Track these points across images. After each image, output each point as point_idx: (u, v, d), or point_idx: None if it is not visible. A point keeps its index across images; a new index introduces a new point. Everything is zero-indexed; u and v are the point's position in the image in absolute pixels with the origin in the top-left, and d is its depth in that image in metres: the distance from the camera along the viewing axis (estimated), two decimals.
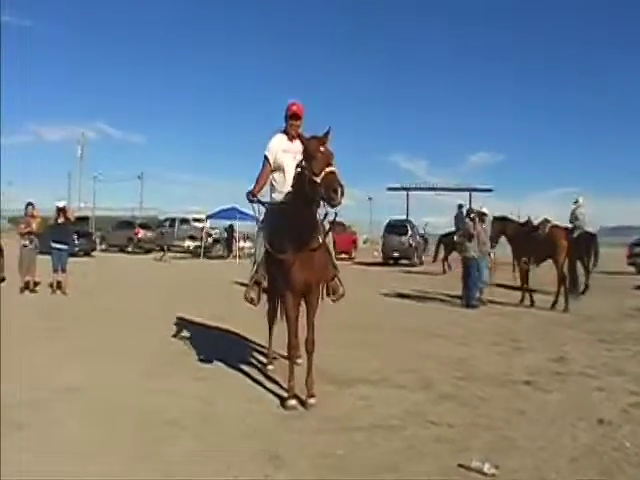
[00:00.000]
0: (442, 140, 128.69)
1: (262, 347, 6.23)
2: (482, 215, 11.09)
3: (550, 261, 10.49)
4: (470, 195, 38.55)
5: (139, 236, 29.06)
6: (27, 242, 11.32)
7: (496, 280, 12.18)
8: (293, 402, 4.42)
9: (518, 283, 11.04)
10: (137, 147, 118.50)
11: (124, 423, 3.97)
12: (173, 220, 31.72)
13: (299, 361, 5.17)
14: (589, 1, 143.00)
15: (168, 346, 6.23)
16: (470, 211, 11.62)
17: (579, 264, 11.11)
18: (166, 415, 4.12)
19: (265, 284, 4.97)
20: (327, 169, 3.96)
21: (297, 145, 4.61)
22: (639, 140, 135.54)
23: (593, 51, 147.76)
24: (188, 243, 27.17)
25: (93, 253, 25.15)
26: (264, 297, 5.21)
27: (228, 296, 10.43)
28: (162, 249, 25.49)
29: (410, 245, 23.08)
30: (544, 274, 11.20)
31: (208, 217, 27.84)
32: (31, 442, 3.57)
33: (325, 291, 4.92)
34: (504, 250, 12.04)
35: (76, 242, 21.20)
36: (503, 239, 11.49)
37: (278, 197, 4.97)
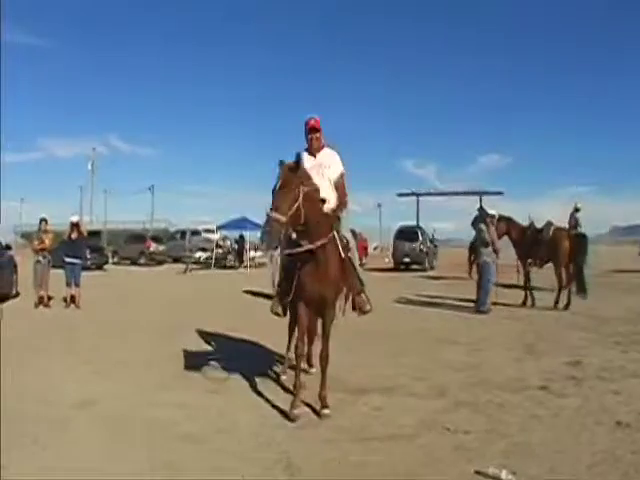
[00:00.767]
0: (451, 144, 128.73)
1: (276, 356, 6.25)
2: (491, 217, 11.03)
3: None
4: (480, 199, 38.23)
5: (150, 249, 29.52)
6: (40, 258, 11.49)
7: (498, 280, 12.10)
8: (296, 412, 4.34)
9: (517, 283, 11.12)
10: (147, 160, 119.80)
11: (139, 435, 3.98)
12: (184, 232, 32.03)
13: (312, 370, 5.15)
14: (589, 1, 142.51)
15: (181, 358, 6.24)
16: (485, 214, 11.50)
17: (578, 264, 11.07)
18: (180, 428, 4.12)
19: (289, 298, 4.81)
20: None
21: (319, 158, 4.73)
22: None
23: (603, 51, 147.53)
24: (200, 254, 27.28)
25: (105, 267, 25.35)
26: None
27: (241, 306, 10.45)
28: (185, 262, 25.63)
29: (421, 250, 23.08)
30: (551, 274, 11.10)
31: (219, 227, 27.94)
32: (47, 455, 3.59)
33: (351, 306, 4.89)
34: (504, 250, 11.94)
35: (89, 256, 21.39)
36: (503, 239, 11.44)
37: None
